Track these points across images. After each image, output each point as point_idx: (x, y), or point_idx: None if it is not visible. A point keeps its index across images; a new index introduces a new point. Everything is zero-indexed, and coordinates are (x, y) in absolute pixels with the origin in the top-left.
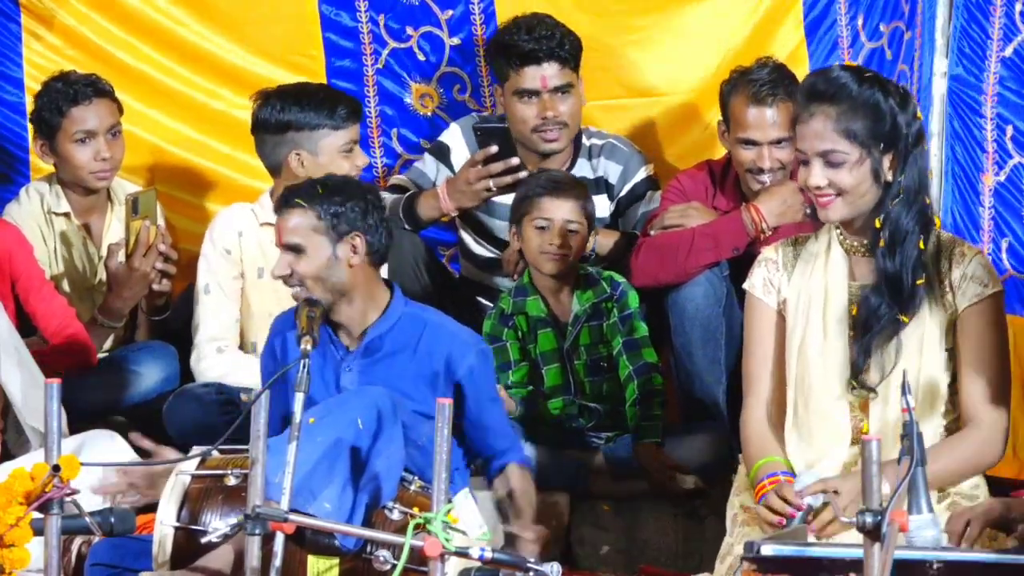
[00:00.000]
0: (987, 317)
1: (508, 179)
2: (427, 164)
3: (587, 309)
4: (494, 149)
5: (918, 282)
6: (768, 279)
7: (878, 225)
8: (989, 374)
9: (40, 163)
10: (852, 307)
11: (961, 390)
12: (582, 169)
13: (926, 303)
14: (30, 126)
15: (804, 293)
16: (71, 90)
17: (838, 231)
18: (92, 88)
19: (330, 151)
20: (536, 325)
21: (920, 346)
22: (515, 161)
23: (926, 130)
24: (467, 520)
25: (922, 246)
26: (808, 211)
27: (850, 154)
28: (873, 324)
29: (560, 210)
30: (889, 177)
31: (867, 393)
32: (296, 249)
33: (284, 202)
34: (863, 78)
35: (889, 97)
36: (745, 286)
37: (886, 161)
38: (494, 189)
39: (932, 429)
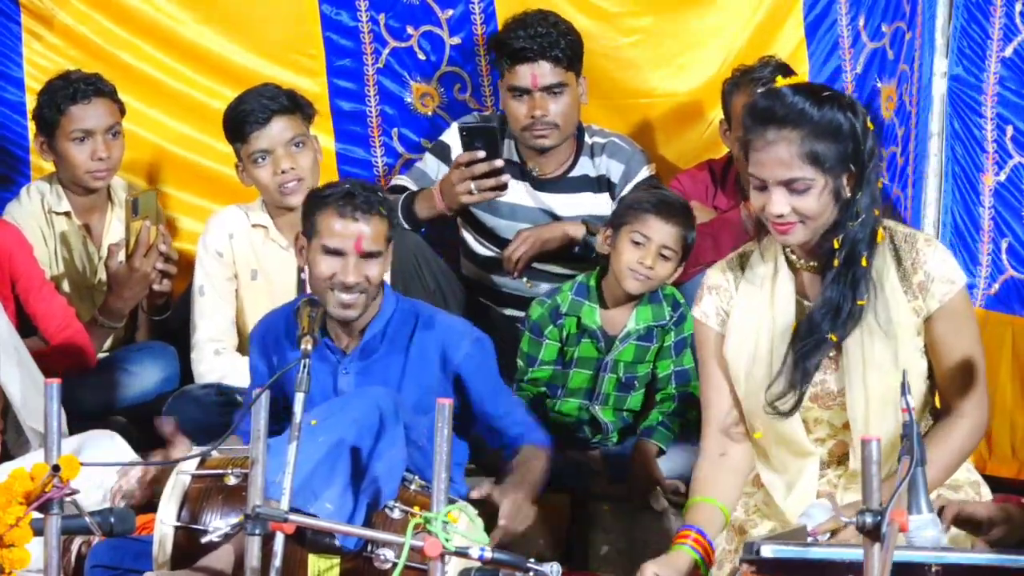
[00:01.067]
0: (959, 312)
1: (491, 182)
2: (428, 164)
3: (641, 329)
4: (481, 154)
5: (859, 303)
6: (720, 307)
7: (837, 245)
8: (967, 367)
9: (41, 163)
10: (795, 324)
11: (942, 386)
12: (583, 167)
13: (895, 311)
14: (31, 124)
15: (750, 314)
16: (71, 88)
17: (787, 249)
18: (92, 87)
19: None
20: (584, 333)
21: (895, 354)
22: (499, 163)
23: (926, 130)
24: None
25: (864, 263)
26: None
27: (815, 180)
28: (806, 343)
29: (661, 232)
30: (847, 194)
31: (778, 414)
32: (374, 256)
33: (366, 207)
34: (821, 99)
35: (847, 113)
36: (695, 314)
37: (844, 179)
38: (475, 192)
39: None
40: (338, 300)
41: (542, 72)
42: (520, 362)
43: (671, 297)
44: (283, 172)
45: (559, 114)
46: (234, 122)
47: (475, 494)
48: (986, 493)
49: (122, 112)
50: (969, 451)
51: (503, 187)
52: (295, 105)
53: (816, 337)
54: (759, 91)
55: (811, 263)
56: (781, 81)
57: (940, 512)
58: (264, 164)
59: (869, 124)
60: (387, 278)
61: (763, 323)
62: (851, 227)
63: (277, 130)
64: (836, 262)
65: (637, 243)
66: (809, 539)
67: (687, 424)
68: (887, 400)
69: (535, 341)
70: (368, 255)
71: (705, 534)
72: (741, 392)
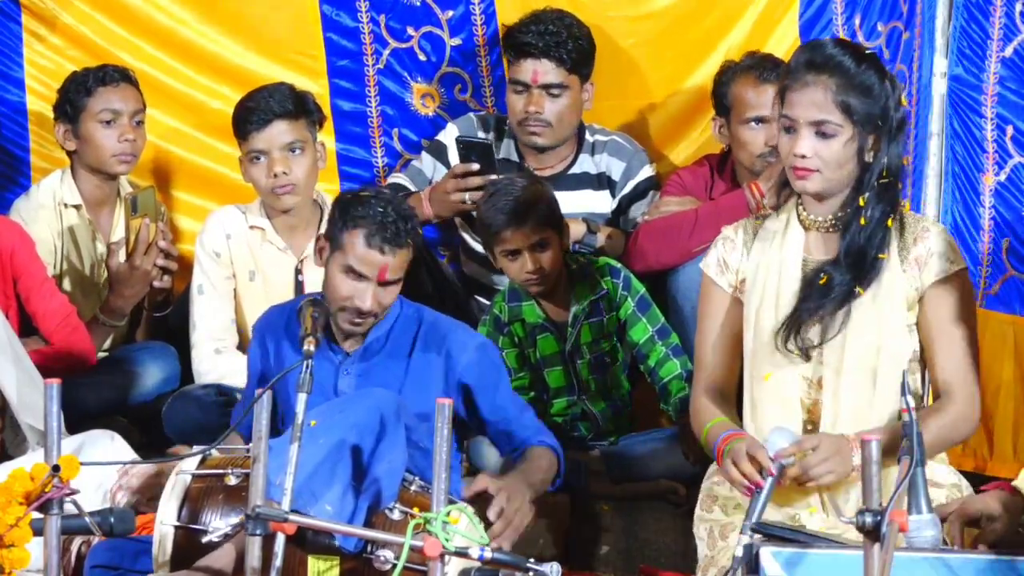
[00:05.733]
0: (955, 292)
1: (483, 195)
2: (424, 163)
3: (585, 308)
4: (475, 167)
5: (880, 256)
6: (723, 258)
7: (862, 203)
8: (959, 349)
9: (42, 164)
10: (804, 282)
11: (933, 365)
12: (584, 165)
13: (887, 278)
14: (49, 117)
15: (761, 269)
16: (100, 72)
17: (800, 207)
18: (120, 73)
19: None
20: (534, 330)
21: (878, 319)
22: (493, 178)
23: (926, 130)
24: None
25: (890, 224)
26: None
27: (843, 128)
28: (827, 293)
29: (522, 238)
30: (869, 158)
31: (799, 354)
32: (394, 283)
33: (395, 240)
34: (861, 56)
35: (884, 79)
36: (701, 265)
37: (870, 140)
38: (468, 203)
39: (894, 405)
40: (349, 319)
41: (544, 70)
42: None
43: (604, 267)
44: (275, 176)
45: (554, 114)
46: (237, 119)
47: (468, 491)
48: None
49: (144, 104)
50: (953, 440)
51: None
52: (301, 110)
53: (844, 287)
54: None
55: (825, 220)
56: None
57: (944, 520)
58: (259, 164)
59: (903, 100)
60: None
61: (770, 274)
62: (876, 186)
63: (276, 133)
64: (863, 220)
65: (513, 258)
66: (770, 464)
67: None
68: (862, 366)
69: None
70: (388, 283)
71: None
72: (750, 336)
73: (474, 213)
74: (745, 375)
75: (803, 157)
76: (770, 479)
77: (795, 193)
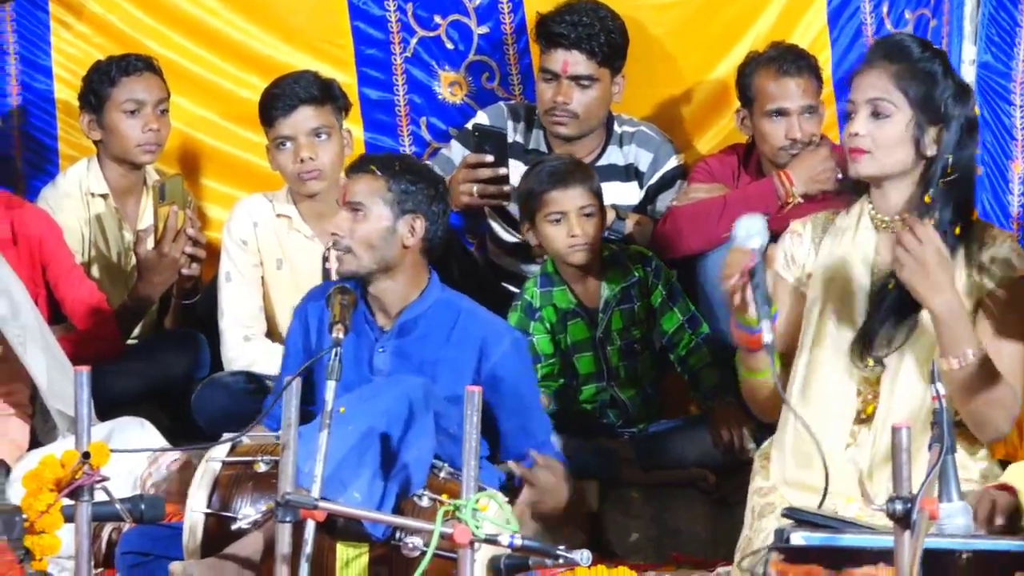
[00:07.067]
0: (1013, 298)
1: (492, 189)
2: (453, 150)
3: (617, 294)
4: (489, 158)
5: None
6: (791, 253)
7: (928, 200)
8: (1009, 353)
9: (70, 152)
10: (872, 284)
11: None
12: (612, 156)
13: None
14: (76, 106)
15: (829, 267)
16: (124, 62)
17: (870, 206)
18: (144, 63)
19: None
20: (565, 316)
21: (927, 323)
22: (503, 171)
23: None
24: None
25: (957, 232)
26: (839, 176)
27: (899, 109)
28: (897, 307)
29: (571, 199)
30: (930, 152)
31: (873, 365)
32: (357, 209)
33: (359, 165)
34: (928, 48)
35: (948, 76)
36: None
37: (931, 133)
38: (475, 195)
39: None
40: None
41: (574, 61)
42: None
43: (636, 255)
44: (302, 161)
45: (582, 105)
46: (263, 105)
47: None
48: None
49: (168, 93)
50: (998, 404)
51: (504, 196)
52: (327, 96)
53: (914, 303)
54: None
55: (889, 219)
56: None
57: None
58: (285, 150)
59: (976, 110)
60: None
61: (837, 273)
62: (942, 186)
63: (301, 118)
64: (931, 221)
65: (556, 221)
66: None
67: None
68: (921, 368)
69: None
70: (351, 206)
71: None
72: (811, 331)
73: (504, 202)
74: (798, 372)
75: (857, 135)
76: (755, 263)
77: (866, 189)
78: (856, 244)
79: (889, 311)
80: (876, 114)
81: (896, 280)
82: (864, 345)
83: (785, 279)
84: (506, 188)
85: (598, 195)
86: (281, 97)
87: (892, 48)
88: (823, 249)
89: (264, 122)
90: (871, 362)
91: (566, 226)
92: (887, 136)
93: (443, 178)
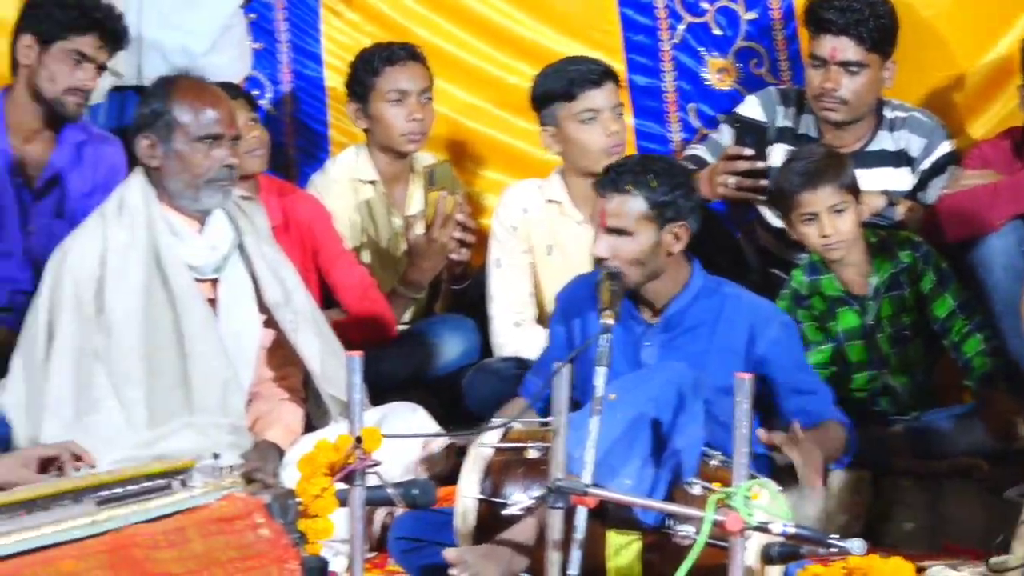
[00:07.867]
0: None
1: (749, 182)
2: (723, 135)
3: (886, 281)
4: (748, 152)
5: None
6: None
7: None
8: None
9: (341, 138)
10: None
11: None
12: (883, 142)
13: None
14: (341, 92)
15: None
16: (387, 51)
17: None
18: (407, 51)
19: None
20: (834, 304)
21: None
22: (761, 164)
23: None
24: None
25: None
26: None
27: None
28: None
29: (821, 200)
30: None
31: None
32: (621, 233)
33: (612, 184)
34: None
35: None
36: None
37: None
38: (731, 185)
39: None
40: None
41: (842, 47)
42: None
43: (904, 240)
44: (609, 135)
45: (851, 91)
46: (563, 81)
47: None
48: None
49: (432, 80)
50: None
51: (760, 191)
52: (613, 78)
53: None
54: None
55: None
56: None
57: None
58: (594, 124)
59: None
60: None
61: None
62: None
63: (608, 92)
64: None
65: (809, 220)
66: None
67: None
68: None
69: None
70: (613, 231)
71: None
72: None
73: (770, 186)
74: None
75: None
76: None
77: None
78: None
79: None
80: None
81: None
82: None
83: None
84: (763, 182)
85: (851, 188)
86: (587, 72)
87: None
88: None
89: (562, 99)
90: None
91: (818, 226)
92: None
93: (687, 167)
